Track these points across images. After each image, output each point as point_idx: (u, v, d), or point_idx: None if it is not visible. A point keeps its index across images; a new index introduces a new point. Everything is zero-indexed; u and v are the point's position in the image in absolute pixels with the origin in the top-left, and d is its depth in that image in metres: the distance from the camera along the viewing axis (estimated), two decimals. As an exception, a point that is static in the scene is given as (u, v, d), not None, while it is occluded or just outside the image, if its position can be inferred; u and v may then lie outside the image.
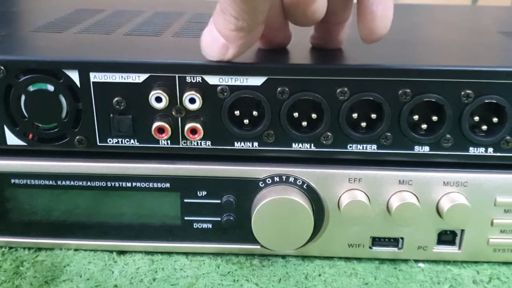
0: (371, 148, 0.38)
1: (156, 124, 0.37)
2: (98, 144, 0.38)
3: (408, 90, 0.36)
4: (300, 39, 0.40)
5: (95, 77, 0.37)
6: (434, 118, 0.37)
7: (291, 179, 0.39)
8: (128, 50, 0.40)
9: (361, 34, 0.35)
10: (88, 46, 0.41)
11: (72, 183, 0.39)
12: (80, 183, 0.39)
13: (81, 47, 0.40)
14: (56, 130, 0.38)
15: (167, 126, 0.37)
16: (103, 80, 0.37)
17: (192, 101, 0.36)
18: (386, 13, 0.34)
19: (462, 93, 0.36)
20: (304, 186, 0.39)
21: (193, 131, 0.37)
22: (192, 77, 0.36)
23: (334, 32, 0.39)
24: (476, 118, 0.37)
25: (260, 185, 0.39)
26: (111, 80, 0.37)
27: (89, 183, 0.39)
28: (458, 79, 0.35)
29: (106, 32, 0.45)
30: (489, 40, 0.47)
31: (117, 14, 0.53)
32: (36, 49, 0.40)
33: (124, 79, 0.36)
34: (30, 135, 0.38)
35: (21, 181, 0.39)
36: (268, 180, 0.39)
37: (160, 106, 0.36)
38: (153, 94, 0.36)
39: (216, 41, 0.34)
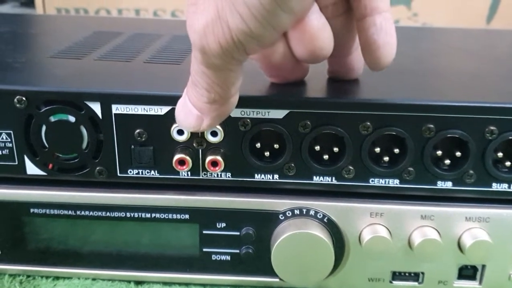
0: (394, 182, 0.38)
1: (177, 156, 0.37)
2: (119, 175, 0.38)
3: (431, 126, 0.35)
4: (320, 69, 0.39)
5: (117, 109, 0.36)
6: (458, 154, 0.36)
7: (312, 212, 0.38)
8: (150, 80, 0.40)
9: (367, 64, 0.35)
10: (109, 76, 0.41)
11: (91, 213, 0.39)
12: (99, 213, 0.39)
13: (102, 77, 0.40)
14: (76, 160, 0.38)
15: (188, 158, 0.37)
16: (125, 112, 0.37)
17: (213, 134, 0.36)
18: (388, 41, 0.34)
19: (486, 129, 0.35)
20: (325, 220, 0.38)
21: (214, 163, 0.37)
22: (214, 110, 0.36)
23: (346, 64, 0.38)
24: (500, 154, 0.36)
25: (280, 217, 0.39)
26: (133, 112, 0.36)
27: (108, 214, 0.39)
28: (482, 115, 0.35)
29: (126, 59, 0.45)
30: (508, 70, 0.46)
31: (136, 38, 0.53)
32: (57, 78, 0.39)
33: (147, 111, 0.36)
34: (50, 165, 0.38)
35: (40, 211, 0.39)
36: (288, 213, 0.39)
37: (181, 138, 0.36)
38: (175, 127, 0.36)
39: (190, 113, 0.33)
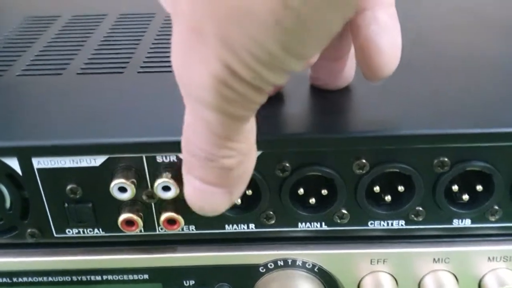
0: (398, 224, 0.30)
1: (123, 217, 0.29)
2: (55, 235, 0.31)
3: (446, 159, 0.27)
4: (297, 89, 0.31)
5: (39, 163, 0.28)
6: (479, 187, 0.29)
7: (299, 263, 0.31)
8: (81, 116, 0.30)
9: (365, 72, 0.27)
10: (30, 111, 0.31)
11: (31, 279, 0.32)
12: (41, 279, 0.32)
13: (20, 116, 0.31)
14: (2, 222, 0.30)
15: (136, 218, 0.29)
16: (49, 166, 0.28)
17: (166, 189, 0.28)
18: (393, 43, 0.26)
19: (515, 158, 0.27)
20: (315, 269, 0.31)
21: (171, 221, 0.29)
22: (164, 157, 0.28)
23: (335, 71, 0.30)
24: (531, 184, 0.29)
25: (261, 270, 0.32)
26: (59, 166, 0.28)
27: (50, 279, 0.32)
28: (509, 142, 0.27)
29: (57, 68, 0.36)
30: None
31: (73, 26, 0.43)
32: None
33: (77, 163, 0.28)
34: (-28, 229, 0.31)
35: (-31, 280, 0.32)
36: (270, 265, 0.31)
37: (125, 196, 0.28)
38: (115, 184, 0.28)
39: (212, 194, 0.24)
